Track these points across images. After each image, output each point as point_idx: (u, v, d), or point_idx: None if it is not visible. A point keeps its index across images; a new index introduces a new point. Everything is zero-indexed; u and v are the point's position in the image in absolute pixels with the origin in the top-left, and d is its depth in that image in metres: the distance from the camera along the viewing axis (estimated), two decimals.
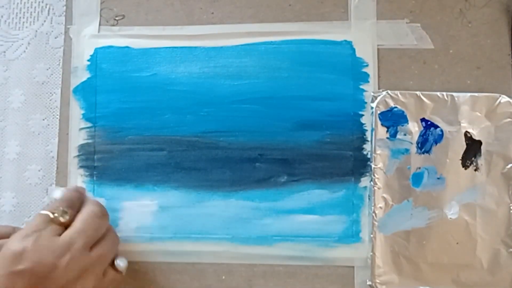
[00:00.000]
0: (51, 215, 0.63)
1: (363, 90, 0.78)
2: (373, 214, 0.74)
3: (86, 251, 0.62)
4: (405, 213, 0.74)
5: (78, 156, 0.81)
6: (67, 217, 0.64)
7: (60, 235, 0.62)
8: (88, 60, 0.82)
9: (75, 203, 0.68)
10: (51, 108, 0.82)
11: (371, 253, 0.74)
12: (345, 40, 0.80)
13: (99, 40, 0.83)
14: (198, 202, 0.79)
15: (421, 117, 0.75)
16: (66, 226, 0.64)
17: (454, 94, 0.75)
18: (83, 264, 0.61)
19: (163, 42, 0.82)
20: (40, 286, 0.58)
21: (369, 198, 0.76)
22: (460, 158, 0.74)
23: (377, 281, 0.73)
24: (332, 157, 0.78)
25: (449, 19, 0.79)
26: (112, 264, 0.67)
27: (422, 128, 0.75)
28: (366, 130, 0.78)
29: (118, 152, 0.80)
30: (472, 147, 0.74)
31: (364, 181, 0.77)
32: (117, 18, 0.83)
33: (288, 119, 0.79)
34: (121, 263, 0.67)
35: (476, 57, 0.78)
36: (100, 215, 0.66)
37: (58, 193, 0.70)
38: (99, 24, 0.83)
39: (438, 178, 0.74)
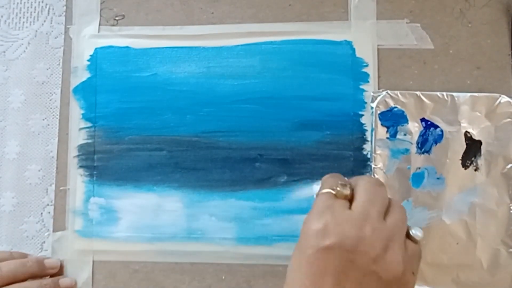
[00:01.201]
0: (333, 192, 0.60)
1: (363, 90, 0.78)
2: None
3: (382, 220, 0.58)
4: None
5: (78, 156, 0.81)
6: (348, 190, 0.60)
7: (349, 208, 0.59)
8: (88, 60, 0.82)
9: (343, 179, 0.64)
10: (51, 108, 0.82)
11: None
12: (345, 40, 0.79)
13: (99, 40, 0.83)
14: (198, 202, 0.79)
15: (421, 117, 0.75)
16: (349, 200, 0.60)
17: (454, 94, 0.75)
18: (384, 234, 0.57)
19: (163, 42, 0.82)
20: (351, 259, 0.55)
21: None
22: (460, 158, 0.74)
23: None
24: (332, 157, 0.78)
25: (449, 19, 0.79)
26: (407, 236, 0.61)
27: (422, 128, 0.75)
28: (366, 130, 0.77)
29: (118, 152, 0.80)
30: (472, 147, 0.74)
31: None
32: (117, 18, 0.83)
33: (288, 119, 0.79)
34: (417, 232, 0.60)
35: (476, 57, 0.78)
36: (379, 183, 0.62)
37: (316, 187, 0.68)
38: (99, 24, 0.83)
39: (438, 178, 0.74)
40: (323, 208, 0.59)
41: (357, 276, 0.55)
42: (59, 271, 0.79)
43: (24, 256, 0.79)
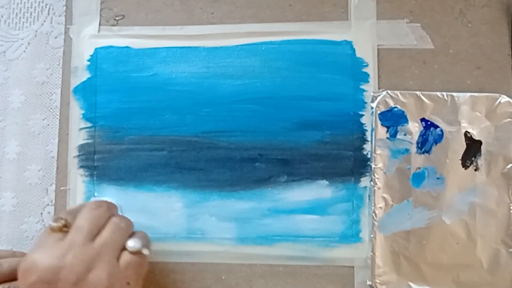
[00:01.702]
0: (53, 224, 0.64)
1: (363, 90, 0.78)
2: (373, 214, 0.74)
3: (88, 243, 0.62)
4: (405, 213, 0.74)
5: (78, 156, 0.81)
6: (61, 221, 0.64)
7: (61, 239, 0.63)
8: (88, 60, 0.82)
9: (73, 210, 0.68)
10: (51, 108, 0.82)
11: (371, 253, 0.74)
12: (345, 40, 0.80)
13: (99, 40, 0.83)
14: (198, 202, 0.79)
15: (421, 117, 0.75)
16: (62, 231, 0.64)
17: (454, 94, 0.75)
18: (88, 256, 0.61)
19: (163, 42, 0.82)
20: None
21: (369, 198, 0.76)
22: (460, 158, 0.74)
23: (377, 281, 0.73)
24: (332, 157, 0.78)
25: (449, 19, 0.79)
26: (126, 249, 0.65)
27: (422, 128, 0.75)
28: (366, 130, 0.78)
29: (118, 152, 0.80)
30: (472, 147, 0.74)
31: (364, 181, 0.77)
32: (117, 18, 0.83)
33: (288, 119, 0.79)
34: (131, 243, 0.64)
35: (476, 57, 0.78)
36: (94, 207, 0.66)
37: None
38: (99, 24, 0.83)
39: (438, 178, 0.74)
40: (35, 245, 0.64)
41: None
42: None
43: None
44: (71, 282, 0.59)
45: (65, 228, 0.64)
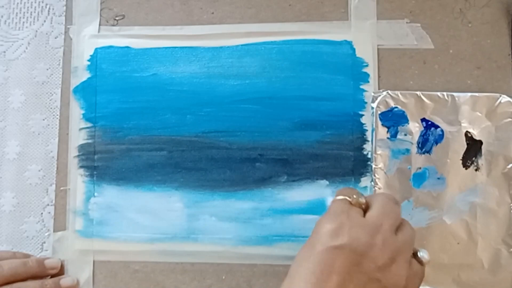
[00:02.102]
0: (349, 199, 0.62)
1: (363, 90, 0.78)
2: None
3: (393, 234, 0.59)
4: (405, 213, 0.74)
5: (78, 156, 0.81)
6: (363, 200, 0.62)
7: (361, 215, 0.61)
8: (88, 60, 0.82)
9: (358, 193, 0.65)
10: (51, 108, 0.82)
11: None
12: (345, 40, 0.80)
13: (99, 40, 0.83)
14: (198, 202, 0.79)
15: (422, 117, 0.75)
16: (364, 211, 0.62)
17: (455, 94, 0.75)
18: (394, 247, 0.58)
19: (163, 42, 0.82)
20: (358, 263, 0.57)
21: None
22: (461, 158, 0.74)
23: None
24: (332, 157, 0.78)
25: (449, 19, 0.79)
26: (414, 256, 0.63)
27: (422, 128, 0.75)
28: (366, 130, 0.78)
29: (118, 152, 0.80)
30: (473, 147, 0.74)
31: (364, 181, 0.77)
32: (117, 18, 0.83)
33: (288, 119, 0.79)
34: (425, 255, 0.62)
35: (476, 57, 0.78)
36: (395, 201, 0.63)
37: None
38: (99, 24, 0.83)
39: (439, 178, 0.74)
40: (339, 212, 0.60)
41: (361, 279, 0.56)
42: (60, 271, 0.79)
43: (27, 256, 0.79)
44: (377, 264, 0.57)
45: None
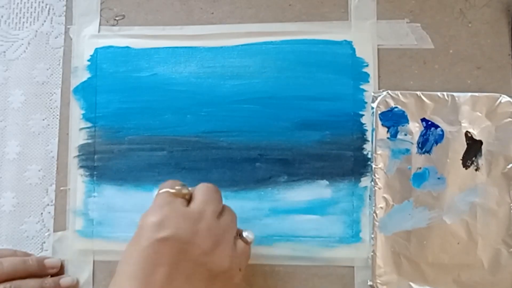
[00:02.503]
0: (172, 190, 0.64)
1: (363, 90, 0.78)
2: (374, 214, 0.74)
3: (215, 219, 0.63)
4: (405, 213, 0.74)
5: (78, 156, 0.81)
6: (186, 190, 0.65)
7: (185, 205, 0.64)
8: (88, 60, 0.82)
9: (181, 184, 0.68)
10: (51, 108, 0.82)
11: (372, 253, 0.74)
12: (345, 40, 0.80)
13: (99, 40, 0.83)
14: None
15: (422, 117, 0.75)
16: (187, 201, 0.65)
17: (455, 94, 0.75)
18: (216, 231, 0.62)
19: (163, 42, 0.82)
20: (184, 251, 0.59)
21: (369, 198, 0.76)
22: (461, 158, 0.74)
23: (378, 281, 0.73)
24: (332, 157, 0.78)
25: (449, 19, 0.79)
26: (240, 237, 0.67)
27: (422, 128, 0.75)
28: (366, 130, 0.78)
29: (118, 152, 0.80)
30: (473, 147, 0.74)
31: (365, 181, 0.77)
32: (117, 18, 0.83)
33: (288, 119, 0.79)
34: (249, 234, 0.67)
35: (476, 57, 0.78)
36: (215, 189, 0.67)
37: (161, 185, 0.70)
38: (99, 24, 0.83)
39: (439, 178, 0.74)
40: (162, 204, 0.62)
41: (188, 266, 0.59)
42: (60, 271, 0.79)
43: (28, 255, 0.79)
44: (202, 249, 0.60)
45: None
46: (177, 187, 0.65)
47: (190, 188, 0.67)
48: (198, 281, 0.60)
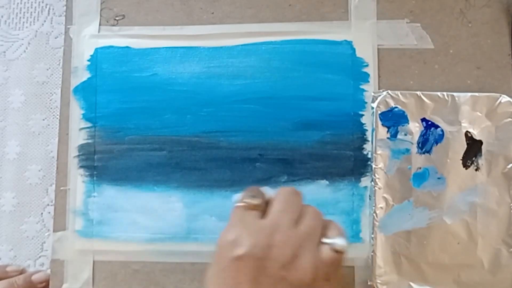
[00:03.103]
0: (242, 204, 0.63)
1: (363, 90, 0.78)
2: (374, 214, 0.74)
3: (293, 228, 0.60)
4: (405, 213, 0.74)
5: (78, 156, 0.81)
6: (258, 200, 0.63)
7: (262, 218, 0.62)
8: (88, 60, 0.82)
9: (257, 191, 0.66)
10: (51, 108, 0.82)
11: (372, 253, 0.74)
12: (345, 40, 0.80)
13: (99, 40, 0.83)
14: (198, 202, 0.79)
15: (422, 117, 0.75)
16: (262, 211, 0.63)
17: (455, 94, 0.75)
18: (294, 241, 0.59)
19: (163, 42, 0.82)
20: (262, 267, 0.57)
21: (369, 198, 0.76)
22: (461, 158, 0.74)
23: (378, 281, 0.73)
24: (332, 157, 0.78)
25: (449, 19, 0.79)
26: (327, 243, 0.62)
27: (422, 128, 0.75)
28: (366, 130, 0.78)
29: (118, 152, 0.80)
30: (473, 147, 0.74)
31: (364, 181, 0.77)
32: (117, 18, 0.83)
33: (288, 119, 0.79)
34: (337, 241, 0.60)
35: (476, 57, 0.78)
36: (293, 192, 0.64)
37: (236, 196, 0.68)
38: (99, 24, 0.83)
39: (439, 178, 0.74)
40: (236, 221, 0.61)
41: (268, 282, 0.57)
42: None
43: (19, 271, 0.79)
44: (280, 263, 0.57)
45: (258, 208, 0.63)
46: (246, 200, 0.63)
47: (269, 194, 0.65)
48: None
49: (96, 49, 0.82)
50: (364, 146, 0.77)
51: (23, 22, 0.84)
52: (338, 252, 0.60)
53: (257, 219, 0.61)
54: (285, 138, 0.79)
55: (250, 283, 0.57)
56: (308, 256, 0.58)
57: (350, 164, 0.78)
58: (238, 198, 0.64)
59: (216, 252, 0.60)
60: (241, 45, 0.81)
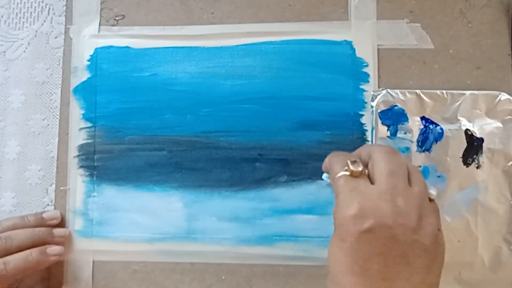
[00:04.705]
0: (347, 173, 0.59)
1: (363, 90, 0.78)
2: None
3: (409, 189, 0.57)
4: None
5: (78, 156, 0.81)
6: (361, 165, 0.59)
7: (371, 183, 0.58)
8: (88, 60, 0.82)
9: (352, 156, 0.63)
10: (51, 108, 0.82)
11: None
12: (345, 40, 0.80)
13: (99, 40, 0.83)
14: (198, 202, 0.79)
15: (421, 116, 0.75)
16: (368, 175, 0.59)
17: (454, 92, 0.75)
18: (416, 201, 0.56)
19: (163, 42, 0.82)
20: (393, 235, 0.54)
21: None
22: (461, 156, 0.74)
23: None
24: None
25: (449, 19, 0.79)
26: None
27: (422, 127, 0.75)
28: (366, 130, 0.78)
29: (118, 152, 0.80)
30: (473, 145, 0.74)
31: None
32: (117, 18, 0.83)
33: (288, 119, 0.79)
34: (432, 191, 0.60)
35: (476, 57, 0.78)
36: (394, 151, 0.61)
37: (326, 175, 0.65)
38: (99, 24, 0.83)
39: (439, 176, 0.74)
40: (348, 192, 0.58)
41: (402, 249, 0.55)
42: (61, 223, 0.80)
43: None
44: (409, 226, 0.55)
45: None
46: (350, 167, 0.59)
47: (362, 153, 0.62)
48: (416, 259, 0.56)
49: (96, 49, 0.82)
50: None
51: (23, 22, 0.84)
52: (433, 200, 0.60)
53: (370, 185, 0.58)
54: (285, 138, 0.79)
55: (384, 254, 0.55)
56: (430, 214, 0.57)
57: None
58: (332, 168, 0.61)
59: (337, 231, 0.57)
60: (241, 45, 0.81)
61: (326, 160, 0.64)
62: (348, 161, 0.59)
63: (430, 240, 0.56)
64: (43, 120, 0.82)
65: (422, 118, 0.75)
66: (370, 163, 0.60)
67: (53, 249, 0.76)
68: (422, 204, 0.57)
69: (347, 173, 0.59)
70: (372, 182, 0.58)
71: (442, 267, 0.58)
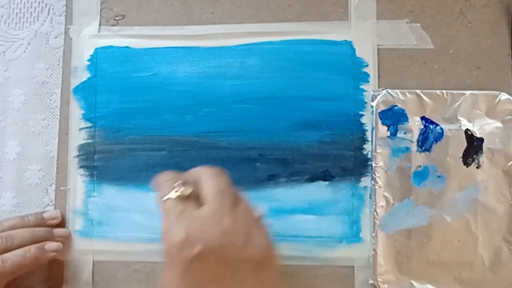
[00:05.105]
0: (174, 196, 0.59)
1: (363, 90, 0.78)
2: (375, 213, 0.74)
3: (235, 207, 0.58)
4: (406, 212, 0.74)
5: (78, 156, 0.81)
6: (190, 188, 0.59)
7: (199, 206, 0.58)
8: (88, 60, 0.82)
9: (181, 177, 0.62)
10: (51, 108, 0.82)
11: (373, 252, 0.74)
12: (345, 40, 0.80)
13: (99, 40, 0.83)
14: None
15: (421, 116, 0.75)
16: (195, 196, 0.60)
17: (454, 92, 0.75)
18: (242, 220, 0.58)
19: (163, 42, 0.82)
20: (223, 256, 0.55)
21: (370, 197, 0.76)
22: (461, 156, 0.74)
23: (379, 279, 0.73)
24: (332, 157, 0.78)
25: (449, 19, 0.79)
26: None
27: (422, 127, 0.75)
28: (366, 130, 0.78)
29: (118, 152, 0.80)
30: (473, 145, 0.74)
31: (365, 181, 0.77)
32: (117, 18, 0.83)
33: (288, 119, 0.79)
34: (259, 208, 0.62)
35: (476, 57, 0.78)
36: (220, 172, 0.62)
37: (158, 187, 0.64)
38: (99, 24, 0.83)
39: (439, 176, 0.74)
40: (176, 216, 0.58)
41: (234, 268, 0.56)
42: (61, 223, 0.80)
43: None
44: (238, 246, 0.56)
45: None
46: (177, 189, 0.59)
47: (190, 176, 0.62)
48: (246, 274, 0.56)
49: (96, 49, 0.82)
50: (364, 146, 0.78)
51: (23, 22, 0.84)
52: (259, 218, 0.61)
53: (197, 208, 0.58)
54: (285, 138, 0.79)
55: (216, 276, 0.56)
56: (259, 230, 0.58)
57: (350, 164, 0.78)
58: (160, 190, 0.61)
59: (166, 256, 0.58)
60: (241, 45, 0.81)
61: (155, 180, 0.64)
62: (175, 184, 0.60)
63: (261, 256, 0.57)
64: (43, 120, 0.82)
65: (422, 118, 0.75)
66: (199, 184, 0.60)
67: (51, 245, 0.76)
68: (249, 222, 0.58)
69: (175, 195, 0.59)
70: (201, 204, 0.58)
71: (277, 273, 0.62)
